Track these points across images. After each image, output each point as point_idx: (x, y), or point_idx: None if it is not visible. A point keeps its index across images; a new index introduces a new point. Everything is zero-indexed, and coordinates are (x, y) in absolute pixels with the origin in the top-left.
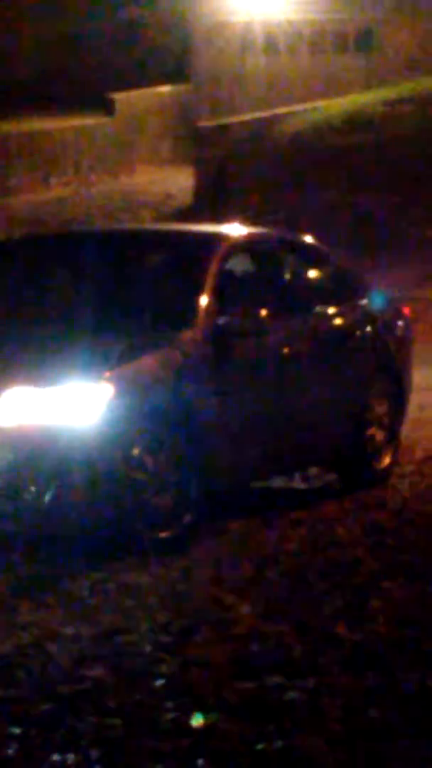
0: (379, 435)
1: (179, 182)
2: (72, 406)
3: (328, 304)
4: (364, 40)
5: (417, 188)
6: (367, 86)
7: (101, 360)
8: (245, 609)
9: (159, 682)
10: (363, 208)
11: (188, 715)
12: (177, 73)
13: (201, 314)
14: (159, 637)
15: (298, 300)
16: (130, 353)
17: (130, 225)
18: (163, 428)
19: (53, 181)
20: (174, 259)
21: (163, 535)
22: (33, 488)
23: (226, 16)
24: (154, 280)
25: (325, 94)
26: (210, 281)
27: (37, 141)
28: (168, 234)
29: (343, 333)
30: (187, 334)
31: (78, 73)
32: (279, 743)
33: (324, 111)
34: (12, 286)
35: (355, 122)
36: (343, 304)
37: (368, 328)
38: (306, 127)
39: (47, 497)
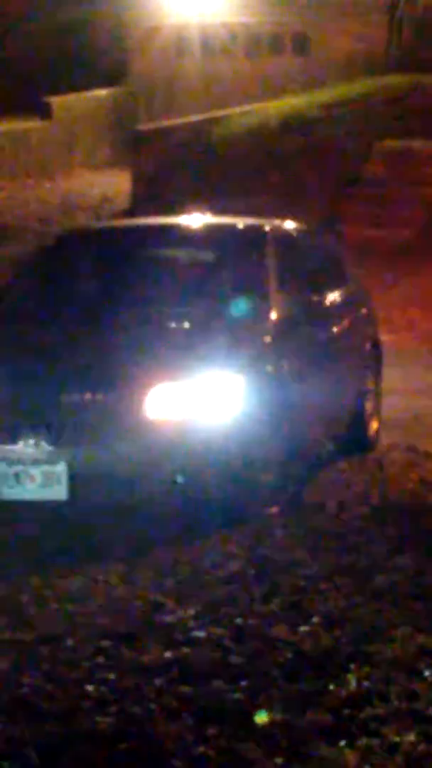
0: (369, 405)
1: (117, 185)
2: (211, 397)
3: (336, 287)
4: (300, 43)
5: (352, 189)
6: (303, 89)
7: (230, 352)
8: (185, 613)
9: (98, 688)
10: (298, 209)
11: (126, 721)
12: (114, 77)
13: (277, 303)
14: (98, 642)
15: (320, 285)
16: (245, 344)
17: (177, 219)
18: (272, 411)
19: None
20: (237, 251)
21: (270, 510)
22: (181, 474)
23: (162, 19)
24: (229, 273)
25: (261, 97)
26: (275, 271)
27: None
28: (221, 226)
29: (351, 314)
30: (270, 323)
31: (14, 77)
32: (217, 748)
33: (260, 114)
34: (93, 278)
35: (290, 125)
36: (343, 287)
37: (363, 309)
38: (242, 129)
39: (192, 481)
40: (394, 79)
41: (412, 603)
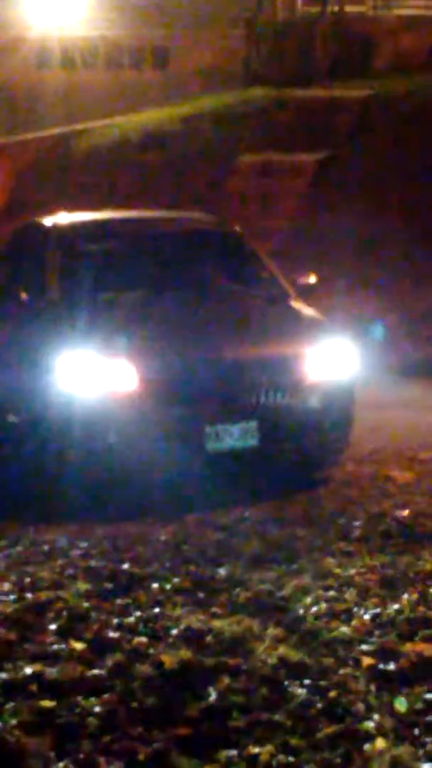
0: None
1: None
2: (342, 358)
3: None
4: (160, 57)
5: (214, 201)
6: (164, 102)
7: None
8: (45, 627)
9: None
10: None
11: None
12: None
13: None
14: None
15: None
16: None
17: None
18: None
19: None
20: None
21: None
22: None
23: (22, 31)
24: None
25: (123, 110)
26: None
27: None
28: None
29: None
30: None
31: None
32: (77, 762)
33: (121, 127)
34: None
35: (151, 138)
36: None
37: None
38: (104, 142)
39: (336, 427)
40: (254, 93)
41: (271, 615)
